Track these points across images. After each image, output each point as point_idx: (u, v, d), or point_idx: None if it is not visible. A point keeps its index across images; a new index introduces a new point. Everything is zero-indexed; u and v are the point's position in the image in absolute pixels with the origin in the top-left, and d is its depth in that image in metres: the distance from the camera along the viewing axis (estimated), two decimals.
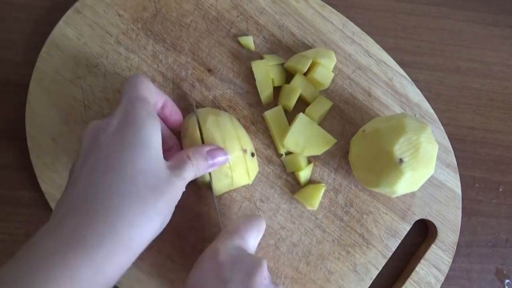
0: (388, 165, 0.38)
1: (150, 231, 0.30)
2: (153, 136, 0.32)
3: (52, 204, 0.42)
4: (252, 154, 0.41)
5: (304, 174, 0.44)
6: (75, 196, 0.29)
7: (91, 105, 0.44)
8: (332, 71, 0.46)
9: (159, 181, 0.31)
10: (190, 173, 0.34)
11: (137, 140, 0.31)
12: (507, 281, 0.48)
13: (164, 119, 0.39)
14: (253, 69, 0.45)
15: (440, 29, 0.53)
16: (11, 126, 0.45)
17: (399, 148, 0.38)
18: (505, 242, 0.49)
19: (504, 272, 0.49)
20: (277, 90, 0.46)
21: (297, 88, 0.45)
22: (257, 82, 0.45)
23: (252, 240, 0.36)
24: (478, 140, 0.51)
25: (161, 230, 0.32)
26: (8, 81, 0.46)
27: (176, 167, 0.33)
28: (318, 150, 0.43)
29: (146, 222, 0.29)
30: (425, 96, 0.48)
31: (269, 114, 0.44)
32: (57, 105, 0.43)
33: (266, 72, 0.45)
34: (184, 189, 0.34)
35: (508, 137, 0.52)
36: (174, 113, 0.39)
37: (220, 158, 0.37)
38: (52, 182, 0.42)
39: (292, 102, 0.44)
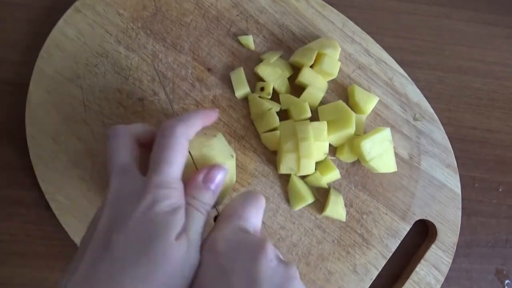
0: None
1: None
2: (178, 241, 0.28)
3: (53, 204, 0.42)
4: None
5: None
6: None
7: (91, 105, 0.43)
8: None
9: (182, 280, 0.27)
10: (201, 220, 0.30)
11: (157, 259, 0.27)
12: (507, 281, 0.48)
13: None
14: (260, 74, 0.45)
15: (441, 29, 0.53)
16: (11, 126, 0.45)
17: None
18: (505, 242, 0.49)
19: (504, 272, 0.48)
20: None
21: (305, 99, 0.45)
22: (274, 86, 0.45)
23: (253, 218, 0.31)
24: (478, 140, 0.51)
25: None
26: (8, 81, 0.46)
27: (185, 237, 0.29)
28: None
29: None
30: (425, 96, 0.48)
31: (282, 126, 0.43)
32: (57, 105, 0.43)
33: (275, 72, 0.45)
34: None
35: (508, 137, 0.51)
36: None
37: (219, 175, 0.32)
38: (52, 182, 0.42)
39: (306, 114, 0.44)
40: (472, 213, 0.49)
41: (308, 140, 0.41)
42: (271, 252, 0.28)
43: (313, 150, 0.41)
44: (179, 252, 0.27)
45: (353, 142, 0.44)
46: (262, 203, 0.32)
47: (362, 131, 0.46)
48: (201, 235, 0.30)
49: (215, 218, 0.34)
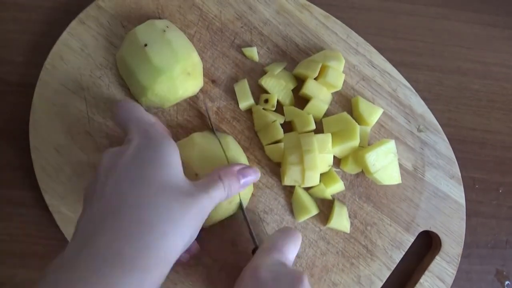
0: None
1: (180, 242, 0.30)
2: (173, 155, 0.32)
3: (56, 216, 0.42)
4: None
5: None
6: (102, 213, 0.29)
7: (94, 117, 0.43)
8: None
9: (185, 194, 0.31)
10: (221, 193, 0.34)
11: (158, 158, 0.31)
12: (507, 282, 0.48)
13: None
14: (264, 86, 0.45)
15: (440, 30, 0.53)
16: (11, 126, 0.45)
17: None
18: (505, 243, 0.49)
19: (504, 273, 0.48)
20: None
21: (309, 111, 0.45)
22: (278, 98, 0.45)
23: (290, 254, 0.36)
24: (478, 141, 0.51)
25: (189, 244, 0.32)
26: (9, 81, 0.46)
27: (204, 185, 0.33)
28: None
29: (176, 232, 0.29)
30: (425, 97, 0.48)
31: (286, 138, 0.44)
32: (60, 117, 0.43)
33: (279, 84, 0.45)
34: (210, 209, 0.33)
35: (508, 138, 0.52)
36: None
37: (251, 177, 0.38)
38: (55, 194, 0.42)
39: (310, 127, 0.44)
40: (472, 214, 0.49)
41: (312, 152, 0.41)
42: (307, 284, 0.32)
43: (317, 162, 0.41)
44: (177, 160, 0.32)
45: (357, 154, 0.44)
46: (299, 240, 0.37)
47: (367, 143, 0.46)
48: (215, 204, 0.34)
49: (253, 251, 0.39)
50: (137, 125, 0.34)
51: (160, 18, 0.46)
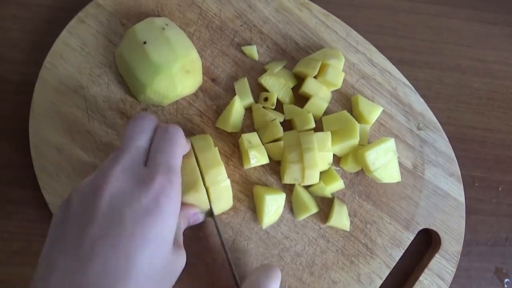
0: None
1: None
2: (171, 233, 0.31)
3: None
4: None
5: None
6: (95, 279, 0.27)
7: (94, 115, 0.43)
8: None
9: (169, 274, 0.32)
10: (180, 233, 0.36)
11: (161, 236, 0.30)
12: (506, 280, 0.48)
13: None
14: (264, 84, 0.45)
15: (440, 28, 0.53)
16: (11, 125, 0.45)
17: None
18: (504, 241, 0.49)
19: (504, 271, 0.49)
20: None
21: (309, 109, 0.45)
22: (278, 96, 0.45)
23: None
24: (478, 139, 0.51)
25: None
26: (9, 79, 0.46)
27: (179, 246, 0.34)
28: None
29: None
30: (424, 95, 0.48)
31: (286, 136, 0.44)
32: (60, 115, 0.43)
33: (279, 82, 0.45)
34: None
35: (508, 136, 0.52)
36: None
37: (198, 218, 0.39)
38: (55, 193, 0.42)
39: (310, 125, 0.44)
40: (472, 212, 0.49)
41: (312, 150, 0.41)
42: None
43: (317, 160, 0.41)
44: (172, 235, 0.32)
45: (357, 153, 0.44)
46: (279, 276, 0.36)
47: (366, 141, 0.46)
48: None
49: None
50: (172, 166, 0.33)
51: (159, 16, 0.46)
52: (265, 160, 0.43)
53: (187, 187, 0.37)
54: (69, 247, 0.28)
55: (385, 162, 0.43)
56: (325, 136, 0.42)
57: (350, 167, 0.45)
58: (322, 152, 0.42)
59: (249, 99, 0.45)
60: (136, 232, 0.29)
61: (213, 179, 0.39)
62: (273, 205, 0.42)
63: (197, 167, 0.38)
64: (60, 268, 0.27)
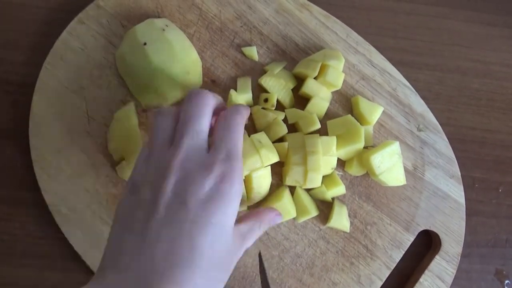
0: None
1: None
2: (232, 219, 0.32)
3: (56, 216, 0.42)
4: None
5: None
6: (160, 260, 0.29)
7: (94, 116, 0.43)
8: None
9: (228, 261, 0.32)
10: (255, 238, 0.36)
11: (223, 222, 0.31)
12: (506, 281, 0.48)
13: None
14: (264, 85, 0.45)
15: (440, 29, 0.53)
16: (11, 126, 0.45)
17: None
18: (505, 242, 0.49)
19: (504, 272, 0.48)
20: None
21: (311, 109, 0.45)
22: (278, 97, 0.45)
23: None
24: (477, 140, 0.51)
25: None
26: (9, 81, 0.46)
27: (244, 238, 0.34)
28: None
29: None
30: (424, 96, 0.48)
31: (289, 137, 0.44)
32: (60, 116, 0.43)
33: (279, 83, 0.45)
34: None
35: (508, 137, 0.52)
36: None
37: (279, 218, 0.39)
38: (55, 194, 0.42)
39: (315, 126, 0.44)
40: (472, 213, 0.49)
41: (317, 154, 0.41)
42: None
43: (321, 164, 0.41)
44: (234, 221, 0.32)
45: (362, 156, 0.44)
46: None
47: (371, 142, 0.46)
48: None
49: None
50: (234, 153, 0.33)
51: (159, 17, 0.46)
52: (276, 158, 0.42)
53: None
54: (137, 231, 0.29)
55: (390, 165, 0.43)
56: (330, 141, 0.42)
57: (355, 170, 0.45)
58: (327, 156, 0.42)
59: (248, 96, 0.45)
60: (198, 218, 0.30)
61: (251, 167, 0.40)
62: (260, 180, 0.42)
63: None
64: (129, 250, 0.29)
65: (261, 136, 0.42)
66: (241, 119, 0.35)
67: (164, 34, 0.41)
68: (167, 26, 0.42)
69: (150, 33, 0.41)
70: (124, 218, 0.31)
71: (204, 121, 0.33)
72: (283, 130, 0.44)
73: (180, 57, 0.41)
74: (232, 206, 0.31)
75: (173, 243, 0.29)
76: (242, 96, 0.44)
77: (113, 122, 0.43)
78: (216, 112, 0.36)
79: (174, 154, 0.31)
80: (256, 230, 0.35)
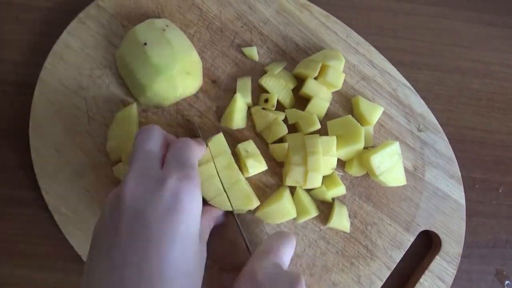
0: None
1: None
2: (197, 225, 0.32)
3: (56, 216, 0.42)
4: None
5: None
6: (132, 285, 0.28)
7: (95, 116, 0.43)
8: None
9: (200, 265, 0.32)
10: (207, 231, 0.37)
11: (188, 230, 0.31)
12: (507, 282, 0.48)
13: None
14: (264, 85, 0.45)
15: (440, 29, 0.53)
16: (11, 126, 0.45)
17: None
18: (505, 243, 0.49)
19: (504, 273, 0.49)
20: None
21: (311, 110, 0.45)
22: (278, 98, 0.45)
23: (286, 257, 0.36)
24: (477, 141, 0.51)
25: None
26: (9, 81, 0.46)
27: (202, 238, 0.35)
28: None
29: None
30: (424, 97, 0.48)
31: (290, 138, 0.44)
32: (61, 116, 0.43)
33: (279, 84, 0.45)
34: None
35: (508, 137, 0.52)
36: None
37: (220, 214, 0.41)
38: (55, 194, 0.42)
39: (315, 126, 0.44)
40: (472, 214, 0.49)
41: (317, 154, 0.41)
42: (304, 285, 0.32)
43: (321, 164, 0.41)
44: (198, 229, 0.32)
45: (362, 157, 0.44)
46: (294, 243, 0.37)
47: (372, 142, 0.46)
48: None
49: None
50: (186, 163, 0.34)
51: (159, 18, 0.46)
52: (263, 167, 0.43)
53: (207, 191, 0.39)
54: (103, 259, 0.29)
55: (390, 165, 0.43)
56: (330, 141, 0.42)
57: (355, 171, 0.45)
58: (327, 156, 0.42)
59: (248, 99, 0.45)
60: (163, 232, 0.29)
61: (228, 180, 0.40)
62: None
63: (216, 173, 0.40)
64: (97, 278, 0.29)
65: (248, 146, 0.43)
66: (194, 141, 0.36)
67: (164, 34, 0.41)
68: (167, 26, 0.42)
69: (150, 33, 0.41)
70: (93, 245, 0.31)
71: (151, 143, 0.34)
72: (283, 130, 0.44)
73: (181, 57, 0.41)
74: (194, 212, 0.32)
75: (142, 267, 0.28)
76: (241, 99, 0.45)
77: (114, 121, 0.43)
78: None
79: (126, 176, 0.32)
80: (211, 226, 0.37)
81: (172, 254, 0.29)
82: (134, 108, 0.42)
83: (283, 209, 0.42)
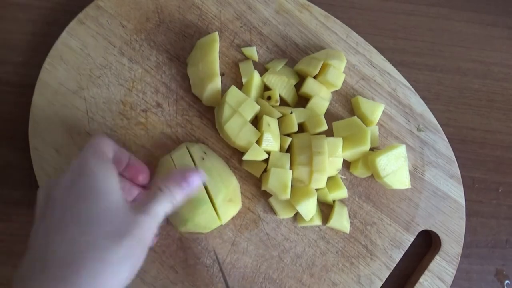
0: None
1: (117, 278, 0.28)
2: (107, 181, 0.30)
3: None
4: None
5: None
6: (32, 262, 0.28)
7: (94, 116, 0.43)
8: None
9: (119, 225, 0.29)
10: (164, 205, 0.31)
11: (91, 188, 0.29)
12: (506, 282, 0.48)
13: (131, 178, 0.38)
14: (267, 83, 0.45)
15: (440, 30, 0.54)
16: (11, 126, 0.45)
17: None
18: (504, 243, 0.49)
19: (504, 272, 0.49)
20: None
21: (311, 109, 0.45)
22: (281, 94, 0.45)
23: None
24: (477, 141, 0.51)
25: (133, 274, 0.29)
26: (9, 81, 0.46)
27: (142, 205, 0.31)
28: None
29: (108, 270, 0.27)
30: (424, 97, 0.48)
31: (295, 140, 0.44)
32: (60, 117, 0.43)
33: (281, 80, 0.45)
34: (156, 227, 0.31)
35: (508, 137, 0.52)
36: (141, 170, 0.38)
37: (194, 179, 0.34)
38: None
39: (322, 127, 0.44)
40: (472, 214, 0.49)
41: (323, 154, 0.41)
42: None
43: (326, 165, 0.41)
44: (113, 185, 0.30)
45: (367, 158, 0.44)
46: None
47: (377, 143, 0.46)
48: (160, 219, 0.32)
49: None
50: (81, 154, 0.32)
51: (159, 19, 0.46)
52: (276, 147, 0.42)
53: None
54: (34, 231, 0.30)
55: (395, 168, 0.43)
56: (337, 142, 0.42)
57: (360, 172, 0.45)
58: (332, 157, 0.42)
59: (256, 76, 0.44)
60: (71, 194, 0.29)
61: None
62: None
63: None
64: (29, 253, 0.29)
65: (272, 122, 0.42)
66: (99, 142, 0.34)
67: (205, 163, 0.40)
68: (205, 153, 0.41)
69: (188, 162, 0.40)
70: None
71: (103, 146, 0.33)
72: (293, 127, 0.43)
73: (223, 187, 0.39)
74: (97, 173, 0.30)
75: (67, 236, 0.28)
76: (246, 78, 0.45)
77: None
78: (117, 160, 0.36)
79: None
80: (159, 194, 0.31)
81: (79, 209, 0.29)
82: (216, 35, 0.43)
83: (307, 207, 0.42)
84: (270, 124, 0.42)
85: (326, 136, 0.43)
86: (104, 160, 0.32)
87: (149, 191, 0.32)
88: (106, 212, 0.29)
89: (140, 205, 0.31)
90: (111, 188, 0.30)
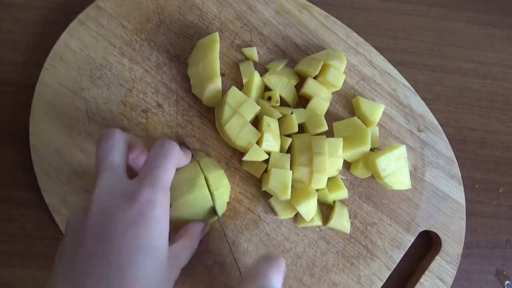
0: None
1: None
2: (161, 242, 0.31)
3: (56, 217, 0.42)
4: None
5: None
6: None
7: (94, 117, 0.43)
8: None
9: (165, 284, 0.31)
10: (188, 257, 0.37)
11: (151, 244, 0.30)
12: (507, 282, 0.48)
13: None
14: (267, 83, 0.45)
15: (440, 30, 0.54)
16: (11, 126, 0.45)
17: None
18: (505, 243, 0.49)
19: (504, 273, 0.49)
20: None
21: (312, 109, 0.45)
22: (282, 94, 0.45)
23: (275, 279, 0.35)
24: (478, 141, 0.51)
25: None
26: (9, 81, 0.46)
27: (178, 257, 0.35)
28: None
29: None
30: (424, 97, 0.48)
31: (296, 138, 0.44)
32: (60, 117, 0.43)
33: (282, 81, 0.45)
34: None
35: (508, 138, 0.52)
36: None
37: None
38: (55, 194, 0.42)
39: (322, 128, 0.44)
40: (472, 214, 0.49)
41: (323, 155, 0.41)
42: None
43: (327, 165, 0.41)
44: (165, 242, 0.31)
45: (368, 158, 0.44)
46: (283, 266, 0.36)
47: (378, 144, 0.46)
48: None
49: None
50: (156, 182, 0.32)
51: (160, 19, 0.46)
52: (276, 148, 0.42)
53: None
54: (66, 269, 0.29)
55: (396, 168, 0.43)
56: (337, 142, 0.42)
57: (360, 173, 0.45)
58: (333, 157, 0.42)
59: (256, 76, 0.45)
60: (124, 243, 0.29)
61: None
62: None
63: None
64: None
65: (272, 122, 0.42)
66: (176, 149, 0.35)
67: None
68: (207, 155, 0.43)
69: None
70: (57, 260, 0.31)
71: (116, 153, 0.33)
72: (294, 127, 0.43)
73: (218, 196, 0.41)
74: (157, 227, 0.30)
75: (102, 276, 0.28)
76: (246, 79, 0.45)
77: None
78: (131, 147, 0.36)
79: (92, 191, 0.31)
80: (188, 246, 0.37)
81: (132, 265, 0.28)
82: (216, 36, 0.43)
83: (308, 208, 0.42)
84: (271, 125, 0.42)
85: (327, 136, 0.43)
86: (163, 213, 0.32)
87: (182, 241, 0.37)
88: (156, 272, 0.30)
89: (177, 257, 0.35)
90: (163, 246, 0.31)
